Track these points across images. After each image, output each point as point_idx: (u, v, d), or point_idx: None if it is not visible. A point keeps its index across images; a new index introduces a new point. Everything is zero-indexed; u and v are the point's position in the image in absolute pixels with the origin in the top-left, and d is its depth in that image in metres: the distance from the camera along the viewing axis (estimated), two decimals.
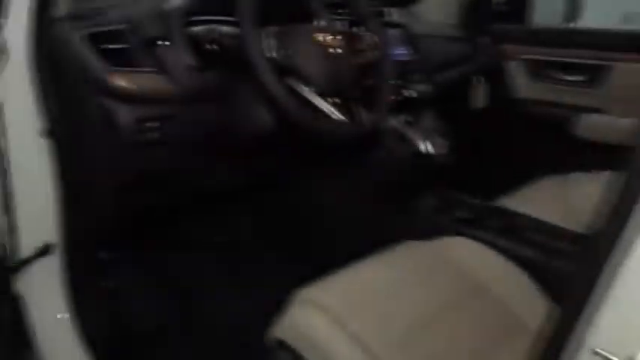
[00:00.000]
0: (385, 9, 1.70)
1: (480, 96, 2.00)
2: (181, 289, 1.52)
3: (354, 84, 1.13)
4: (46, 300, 1.14)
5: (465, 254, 1.19)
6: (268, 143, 1.26)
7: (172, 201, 1.30)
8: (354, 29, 1.29)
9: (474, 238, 1.26)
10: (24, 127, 1.02)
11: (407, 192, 1.50)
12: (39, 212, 1.09)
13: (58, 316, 1.15)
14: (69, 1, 1.04)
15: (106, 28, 1.04)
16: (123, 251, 1.32)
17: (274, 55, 1.02)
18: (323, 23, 1.23)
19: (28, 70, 0.99)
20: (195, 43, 1.11)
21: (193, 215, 1.46)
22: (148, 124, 1.05)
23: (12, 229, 1.06)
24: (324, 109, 1.05)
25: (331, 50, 1.09)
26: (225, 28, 1.11)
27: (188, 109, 1.11)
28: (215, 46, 1.09)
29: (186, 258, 1.52)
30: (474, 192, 1.50)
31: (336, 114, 1.05)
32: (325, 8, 1.33)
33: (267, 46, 1.01)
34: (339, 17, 1.38)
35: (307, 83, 1.04)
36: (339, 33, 1.13)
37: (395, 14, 1.75)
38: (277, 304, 1.03)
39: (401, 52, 1.59)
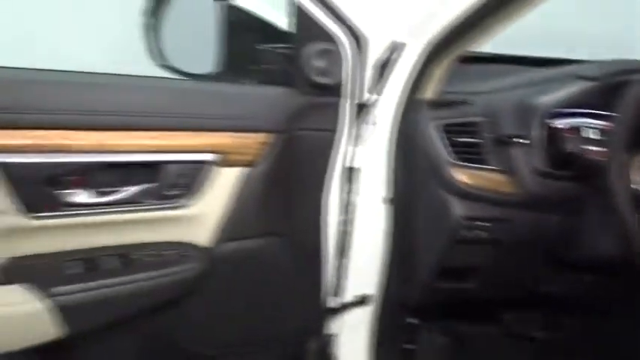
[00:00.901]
0: None
1: None
2: None
3: None
4: (352, 345, 1.24)
5: None
6: (607, 268, 1.07)
7: (490, 292, 1.23)
8: None
9: None
10: (372, 190, 1.12)
11: None
12: (366, 266, 1.19)
13: None
14: (437, 86, 1.08)
15: (461, 120, 1.04)
16: (431, 321, 1.33)
17: None
18: None
19: (387, 144, 1.08)
20: (554, 143, 1.00)
21: (511, 305, 1.36)
22: (478, 223, 1.02)
23: (341, 274, 1.18)
24: None
25: None
26: (592, 122, 0.98)
27: (525, 214, 1.03)
28: (574, 152, 0.97)
29: (495, 342, 1.44)
30: None
31: None
32: None
33: (635, 175, 0.84)
34: None
35: None
36: None
37: None
38: None
39: None
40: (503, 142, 1.02)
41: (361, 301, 1.20)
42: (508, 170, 1.02)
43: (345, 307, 1.21)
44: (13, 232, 0.91)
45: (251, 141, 1.02)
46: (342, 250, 1.15)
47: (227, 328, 1.13)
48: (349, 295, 1.20)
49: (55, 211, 0.92)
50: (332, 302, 1.21)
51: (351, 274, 1.18)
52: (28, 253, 0.94)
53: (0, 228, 0.90)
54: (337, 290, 1.19)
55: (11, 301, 0.89)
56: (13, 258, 0.93)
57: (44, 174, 0.90)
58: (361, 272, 1.19)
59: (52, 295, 0.89)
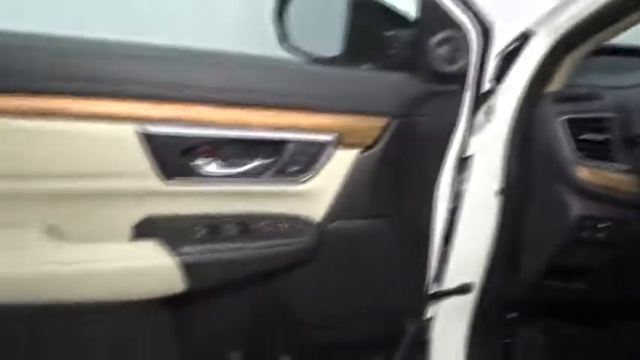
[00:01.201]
0: None
1: None
2: None
3: None
4: (449, 332, 1.25)
5: None
6: None
7: (602, 296, 1.18)
8: None
9: None
10: (484, 179, 1.11)
11: None
12: (471, 255, 1.18)
13: (453, 350, 1.25)
14: (564, 79, 1.03)
15: (589, 115, 0.99)
16: (532, 318, 1.30)
17: None
18: None
19: (505, 135, 1.06)
20: None
21: (624, 312, 1.29)
22: (598, 224, 0.97)
23: (444, 260, 1.19)
24: None
25: None
26: None
27: None
28: None
29: (599, 348, 1.38)
30: None
31: None
32: None
33: None
34: None
35: None
36: None
37: None
38: None
39: None
40: (635, 141, 0.97)
41: (463, 289, 1.20)
42: (637, 170, 0.97)
43: (446, 293, 1.21)
44: (150, 194, 1.01)
45: (369, 124, 1.04)
46: (448, 237, 1.15)
47: (331, 302, 1.18)
48: (451, 282, 1.21)
49: (187, 178, 1.01)
50: (433, 287, 1.22)
51: (454, 262, 1.18)
52: (162, 214, 1.04)
53: (140, 190, 1.01)
54: (439, 276, 1.20)
55: (144, 255, 1.00)
56: (149, 217, 1.04)
57: (181, 144, 0.99)
58: (465, 261, 1.18)
59: (180, 254, 0.99)
